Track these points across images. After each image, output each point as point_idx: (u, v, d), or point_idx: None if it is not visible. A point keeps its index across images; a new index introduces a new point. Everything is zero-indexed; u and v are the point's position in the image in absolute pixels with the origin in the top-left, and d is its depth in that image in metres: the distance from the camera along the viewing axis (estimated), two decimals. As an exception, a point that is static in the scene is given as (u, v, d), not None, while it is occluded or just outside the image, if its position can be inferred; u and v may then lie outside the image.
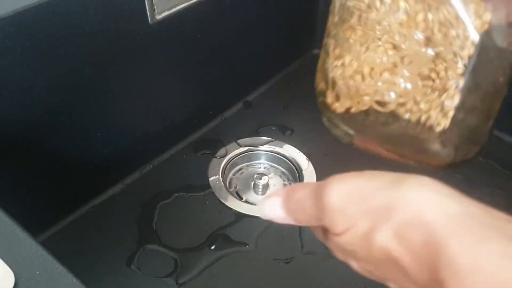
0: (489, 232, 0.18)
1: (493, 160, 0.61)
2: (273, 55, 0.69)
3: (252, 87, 0.69)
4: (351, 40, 0.33)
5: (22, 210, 0.45)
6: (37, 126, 0.47)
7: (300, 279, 0.50)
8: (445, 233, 0.19)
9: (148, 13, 0.50)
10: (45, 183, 0.51)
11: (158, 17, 0.51)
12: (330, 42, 0.36)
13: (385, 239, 0.21)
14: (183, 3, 0.52)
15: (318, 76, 0.37)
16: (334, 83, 0.34)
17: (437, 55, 0.28)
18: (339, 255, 0.25)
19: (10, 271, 0.26)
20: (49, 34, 0.43)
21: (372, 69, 0.32)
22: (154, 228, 0.54)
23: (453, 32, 0.27)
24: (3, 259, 0.27)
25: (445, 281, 0.18)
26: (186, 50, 0.57)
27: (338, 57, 0.34)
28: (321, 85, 0.36)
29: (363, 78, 0.33)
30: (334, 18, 0.35)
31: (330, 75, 0.35)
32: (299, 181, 0.59)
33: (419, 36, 0.29)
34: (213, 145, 0.63)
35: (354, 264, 0.24)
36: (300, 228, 0.54)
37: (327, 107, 0.36)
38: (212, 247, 0.52)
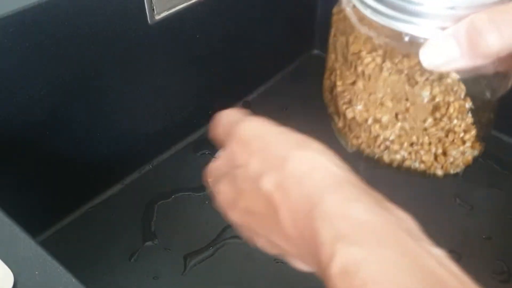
0: (361, 195, 0.22)
1: (492, 160, 0.61)
2: (272, 55, 0.69)
3: (251, 88, 0.69)
4: (358, 87, 0.31)
5: (21, 210, 0.45)
6: (36, 126, 0.47)
7: (299, 279, 0.50)
8: (324, 191, 0.22)
9: (147, 14, 0.50)
10: (44, 183, 0.51)
11: (158, 17, 0.51)
12: (336, 79, 0.34)
13: (271, 184, 0.24)
14: (182, 4, 0.52)
15: (326, 96, 0.37)
16: (345, 117, 0.34)
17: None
18: (229, 195, 0.28)
19: (9, 271, 0.26)
20: (49, 34, 0.43)
21: (385, 119, 0.31)
22: (154, 228, 0.54)
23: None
24: (2, 259, 0.27)
25: (319, 229, 0.21)
26: (186, 50, 0.57)
27: (348, 102, 0.33)
28: (331, 108, 0.36)
29: (380, 126, 0.32)
30: (336, 57, 0.34)
31: (341, 110, 0.34)
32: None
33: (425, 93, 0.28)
34: (213, 145, 0.63)
35: (241, 205, 0.26)
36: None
37: (336, 125, 0.36)
38: (212, 247, 0.52)
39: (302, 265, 0.27)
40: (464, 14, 0.23)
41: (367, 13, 0.26)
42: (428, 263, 0.19)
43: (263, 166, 0.24)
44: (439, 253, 0.20)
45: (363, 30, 0.28)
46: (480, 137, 0.30)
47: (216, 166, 0.30)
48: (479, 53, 0.23)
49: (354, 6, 0.28)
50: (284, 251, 0.26)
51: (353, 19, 0.28)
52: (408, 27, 0.25)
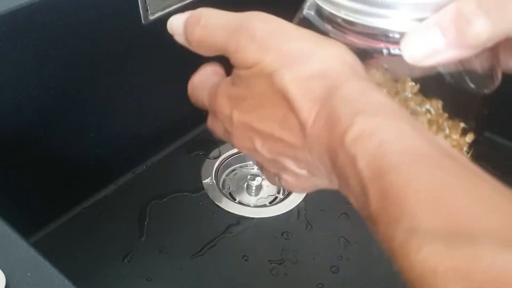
0: (380, 90, 0.22)
1: (485, 161, 0.61)
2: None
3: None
4: None
5: (14, 211, 0.45)
6: (28, 126, 0.46)
7: (293, 279, 0.50)
8: (343, 79, 0.22)
9: (141, 14, 0.50)
10: (37, 184, 0.50)
11: (152, 17, 0.51)
12: None
13: (288, 79, 0.22)
14: (176, 4, 0.52)
15: None
16: None
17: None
18: (232, 92, 0.26)
19: (1, 272, 0.26)
20: (42, 34, 0.43)
21: None
22: (147, 229, 0.53)
23: None
24: (-6, 261, 0.27)
25: (338, 107, 0.21)
26: (180, 51, 0.57)
27: None
28: None
29: None
30: None
31: None
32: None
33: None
34: (206, 146, 0.63)
35: (244, 106, 0.25)
36: (293, 229, 0.54)
37: None
38: (205, 248, 0.52)
39: (298, 169, 0.25)
40: (446, 2, 0.21)
41: (341, 14, 0.25)
42: (440, 140, 0.20)
43: (281, 61, 0.23)
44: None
45: (338, 35, 0.26)
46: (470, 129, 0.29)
47: (233, 84, 0.27)
48: (466, 43, 0.21)
49: (318, 11, 0.26)
50: (285, 150, 0.24)
51: (325, 25, 0.27)
52: (383, 22, 0.23)
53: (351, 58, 0.23)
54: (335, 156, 0.21)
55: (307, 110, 0.22)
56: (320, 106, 0.22)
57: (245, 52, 0.24)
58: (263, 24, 0.24)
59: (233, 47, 0.25)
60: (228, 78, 0.26)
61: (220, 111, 0.26)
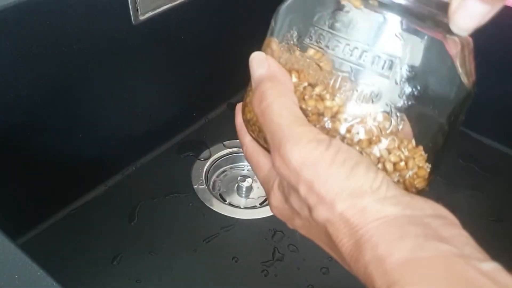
0: (409, 230, 0.21)
1: (473, 163, 0.62)
2: (257, 57, 0.69)
3: (236, 89, 0.69)
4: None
5: (1, 212, 0.45)
6: (17, 127, 0.46)
7: (284, 280, 0.50)
8: (374, 232, 0.21)
9: (131, 14, 0.49)
10: (25, 185, 0.50)
11: (142, 17, 0.51)
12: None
13: (322, 218, 0.23)
14: (166, 4, 0.52)
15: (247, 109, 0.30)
16: None
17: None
18: (285, 211, 0.26)
19: (-12, 274, 0.26)
20: (31, 34, 0.43)
21: None
22: (137, 230, 0.53)
23: None
24: (-20, 263, 0.26)
25: (372, 273, 0.21)
26: (170, 51, 0.57)
27: None
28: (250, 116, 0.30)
29: None
30: None
31: None
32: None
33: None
34: (197, 147, 0.63)
35: (297, 222, 0.26)
36: (283, 230, 0.54)
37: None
38: (195, 250, 0.52)
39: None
40: None
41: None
42: (477, 282, 0.19)
43: (313, 198, 0.23)
44: (491, 267, 0.20)
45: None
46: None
47: (266, 176, 0.27)
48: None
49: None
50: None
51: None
52: None
53: (376, 202, 0.22)
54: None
55: (345, 254, 0.22)
56: (354, 256, 0.22)
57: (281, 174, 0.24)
58: (297, 154, 0.23)
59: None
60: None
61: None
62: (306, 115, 0.25)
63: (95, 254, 0.50)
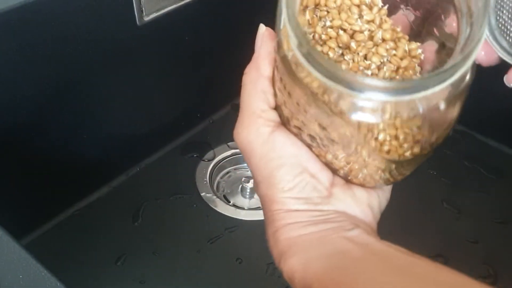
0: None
1: (479, 165, 0.61)
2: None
3: (240, 90, 0.69)
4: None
5: (6, 212, 0.45)
6: (21, 128, 0.46)
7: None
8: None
9: (136, 15, 0.50)
10: (29, 186, 0.50)
11: (146, 18, 0.51)
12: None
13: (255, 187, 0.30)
14: (171, 5, 0.52)
15: None
16: None
17: None
18: None
19: (-8, 274, 0.26)
20: (36, 35, 0.43)
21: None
22: (141, 230, 0.53)
23: None
24: (-15, 263, 0.26)
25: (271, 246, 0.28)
26: (174, 52, 0.57)
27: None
28: None
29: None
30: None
31: None
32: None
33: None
34: (201, 148, 0.63)
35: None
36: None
37: None
38: (199, 251, 0.52)
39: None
40: None
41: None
42: (338, 242, 0.25)
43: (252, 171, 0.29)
44: (355, 233, 0.26)
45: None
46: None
47: None
48: None
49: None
50: None
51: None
52: None
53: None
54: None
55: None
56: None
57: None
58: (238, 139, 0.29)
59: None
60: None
61: None
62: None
63: (99, 255, 0.50)
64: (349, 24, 0.26)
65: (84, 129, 0.52)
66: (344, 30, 0.26)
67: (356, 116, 0.23)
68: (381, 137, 0.24)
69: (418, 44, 0.27)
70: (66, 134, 0.50)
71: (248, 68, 0.29)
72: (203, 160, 0.61)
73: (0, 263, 0.26)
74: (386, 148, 0.25)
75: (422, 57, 0.27)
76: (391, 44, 0.26)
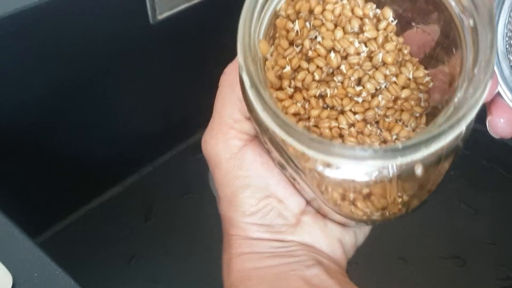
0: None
1: (497, 164, 0.60)
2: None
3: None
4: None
5: (21, 211, 0.45)
6: (35, 126, 0.46)
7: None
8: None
9: (149, 13, 0.49)
10: (43, 184, 0.50)
11: (159, 17, 0.50)
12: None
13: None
14: (184, 4, 0.52)
15: None
16: None
17: None
18: None
19: (8, 272, 0.26)
20: (48, 35, 0.43)
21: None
22: (153, 230, 0.53)
23: None
24: (1, 261, 0.26)
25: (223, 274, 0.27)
26: (187, 51, 0.57)
27: None
28: None
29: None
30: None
31: None
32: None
33: None
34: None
35: None
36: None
37: None
38: (211, 251, 0.52)
39: None
40: None
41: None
42: (293, 282, 0.23)
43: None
44: (313, 272, 0.23)
45: None
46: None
47: None
48: None
49: None
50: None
51: None
52: None
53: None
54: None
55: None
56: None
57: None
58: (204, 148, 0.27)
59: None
60: None
61: None
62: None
63: (112, 254, 0.51)
64: (342, 46, 0.22)
65: (97, 128, 0.52)
66: (337, 52, 0.23)
67: (321, 171, 0.20)
68: (349, 196, 0.21)
69: (426, 71, 0.23)
70: (78, 134, 0.50)
71: (228, 68, 0.26)
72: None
73: (15, 261, 0.26)
74: (351, 208, 0.22)
75: (430, 85, 0.23)
76: (392, 69, 0.23)
